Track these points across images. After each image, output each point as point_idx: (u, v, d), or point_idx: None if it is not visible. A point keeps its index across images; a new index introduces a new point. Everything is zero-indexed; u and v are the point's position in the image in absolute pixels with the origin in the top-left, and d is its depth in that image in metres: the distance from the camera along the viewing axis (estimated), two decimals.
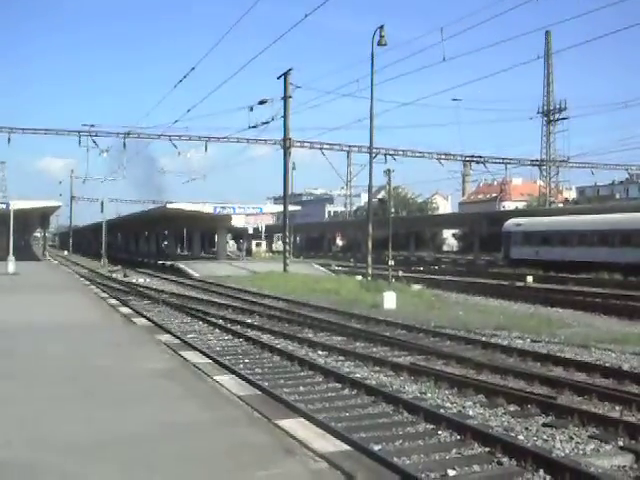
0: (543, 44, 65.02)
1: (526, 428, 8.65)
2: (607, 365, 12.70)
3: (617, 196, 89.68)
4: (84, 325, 14.34)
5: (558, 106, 67.79)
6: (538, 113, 68.18)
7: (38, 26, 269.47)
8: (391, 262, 33.94)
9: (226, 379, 8.98)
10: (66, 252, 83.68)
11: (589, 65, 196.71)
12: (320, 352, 14.40)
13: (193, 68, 32.63)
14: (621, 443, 7.94)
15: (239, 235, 64.55)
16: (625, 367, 12.62)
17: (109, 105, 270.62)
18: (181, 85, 35.22)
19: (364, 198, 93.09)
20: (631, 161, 67.47)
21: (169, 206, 50.90)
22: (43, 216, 62.47)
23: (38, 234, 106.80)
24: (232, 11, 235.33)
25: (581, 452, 7.74)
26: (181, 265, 44.10)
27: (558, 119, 67.89)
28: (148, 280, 37.35)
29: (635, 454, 7.53)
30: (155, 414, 6.95)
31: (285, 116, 39.38)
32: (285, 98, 38.79)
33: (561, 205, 70.56)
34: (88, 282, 31.58)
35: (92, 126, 51.05)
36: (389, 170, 38.58)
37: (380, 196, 75.57)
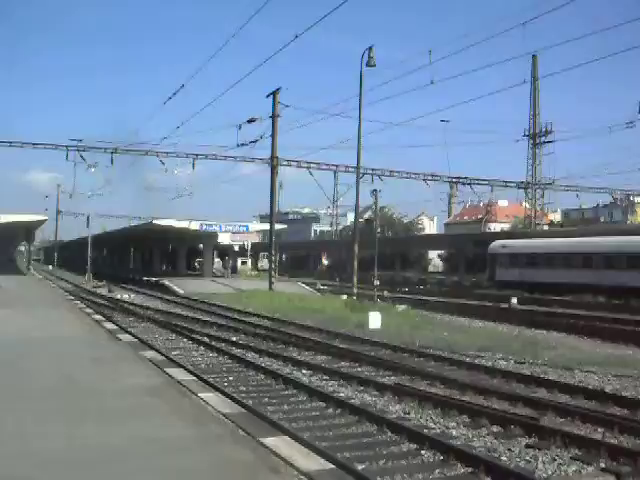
0: (530, 68, 65.74)
1: (509, 449, 8.69)
2: (590, 387, 12.76)
3: (601, 219, 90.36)
4: (68, 340, 14.27)
5: (544, 129, 68.39)
6: (524, 136, 68.72)
7: (32, 45, 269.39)
8: (377, 282, 34.06)
9: (211, 396, 8.98)
10: (51, 267, 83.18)
11: (575, 90, 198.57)
12: (305, 371, 14.40)
13: (183, 85, 32.88)
14: (603, 464, 8.00)
15: (225, 253, 64.44)
16: (608, 389, 12.71)
17: (98, 120, 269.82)
18: (170, 102, 35.43)
19: (350, 217, 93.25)
20: (615, 185, 68.11)
21: (155, 222, 50.79)
22: (28, 230, 62.08)
23: (22, 248, 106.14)
24: (223, 29, 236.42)
25: (563, 473, 7.78)
26: (166, 282, 43.95)
27: (544, 142, 68.42)
28: (133, 296, 37.20)
29: (616, 475, 7.58)
30: (140, 431, 6.94)
31: (273, 135, 39.50)
32: (273, 117, 38.92)
33: (546, 227, 71.00)
34: (72, 297, 31.46)
35: (80, 141, 50.94)
36: (376, 190, 38.80)
37: (366, 216, 75.78)
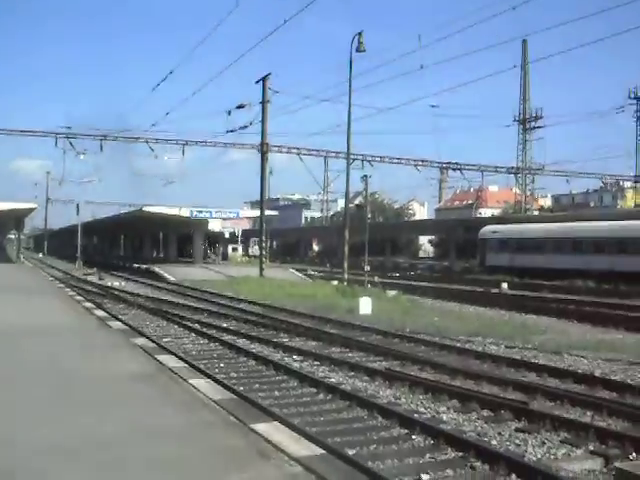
0: (520, 53, 65.77)
1: (499, 433, 8.74)
2: (579, 371, 12.84)
3: (591, 204, 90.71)
4: (58, 328, 14.22)
5: (534, 114, 68.53)
6: (514, 121, 68.87)
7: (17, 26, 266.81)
8: (367, 267, 34.09)
9: (202, 383, 8.97)
10: (41, 254, 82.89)
11: (565, 74, 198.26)
12: (295, 357, 14.42)
13: (171, 72, 32.76)
14: (592, 447, 8.05)
15: (215, 239, 64.35)
16: (597, 373, 12.79)
17: (87, 107, 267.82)
18: (159, 88, 35.29)
19: (341, 203, 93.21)
20: (605, 170, 68.30)
21: (145, 209, 50.63)
22: (18, 218, 61.68)
23: (12, 236, 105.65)
24: (211, 15, 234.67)
25: (553, 457, 7.84)
26: (157, 269, 43.88)
27: (534, 127, 68.66)
28: (123, 283, 37.14)
29: (605, 458, 7.64)
30: (131, 417, 6.93)
31: (263, 121, 39.36)
32: (263, 103, 38.77)
33: (537, 212, 71.25)
34: (63, 285, 31.35)
35: (69, 128, 50.73)
36: (366, 176, 38.84)
37: (357, 202, 75.74)
